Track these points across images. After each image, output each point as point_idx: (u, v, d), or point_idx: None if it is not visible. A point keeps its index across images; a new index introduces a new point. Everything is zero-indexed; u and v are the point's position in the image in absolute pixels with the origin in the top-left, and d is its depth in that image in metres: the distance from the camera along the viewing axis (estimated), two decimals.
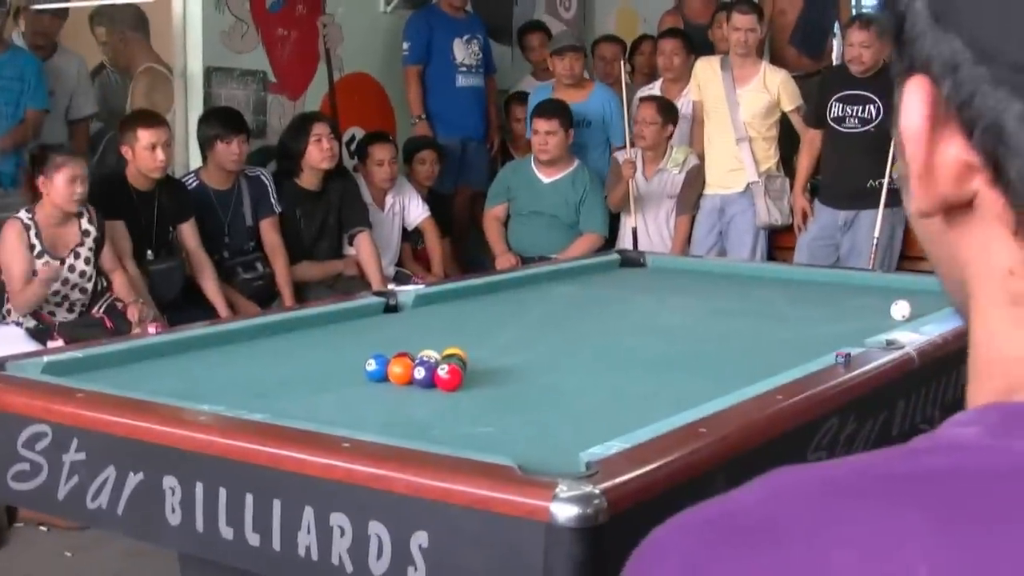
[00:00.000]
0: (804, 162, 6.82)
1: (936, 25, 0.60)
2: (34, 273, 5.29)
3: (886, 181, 6.33)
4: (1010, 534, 0.55)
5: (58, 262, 5.32)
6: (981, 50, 0.58)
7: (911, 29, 0.62)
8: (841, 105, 6.55)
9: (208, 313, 5.69)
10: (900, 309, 3.80)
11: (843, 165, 6.58)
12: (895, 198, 6.27)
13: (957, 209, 0.63)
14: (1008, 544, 0.55)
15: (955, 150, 0.61)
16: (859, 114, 6.51)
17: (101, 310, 5.46)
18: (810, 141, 6.77)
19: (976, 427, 0.61)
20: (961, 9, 0.59)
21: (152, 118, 5.87)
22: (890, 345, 3.20)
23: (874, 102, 6.43)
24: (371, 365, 3.04)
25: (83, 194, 5.35)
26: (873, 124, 6.45)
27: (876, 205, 6.40)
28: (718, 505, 0.63)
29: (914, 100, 0.62)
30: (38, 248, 5.30)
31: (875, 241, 6.40)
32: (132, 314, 5.38)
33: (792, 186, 6.87)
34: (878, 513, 0.58)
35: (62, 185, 5.27)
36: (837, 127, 6.59)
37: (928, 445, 0.62)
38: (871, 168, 6.41)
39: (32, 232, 5.28)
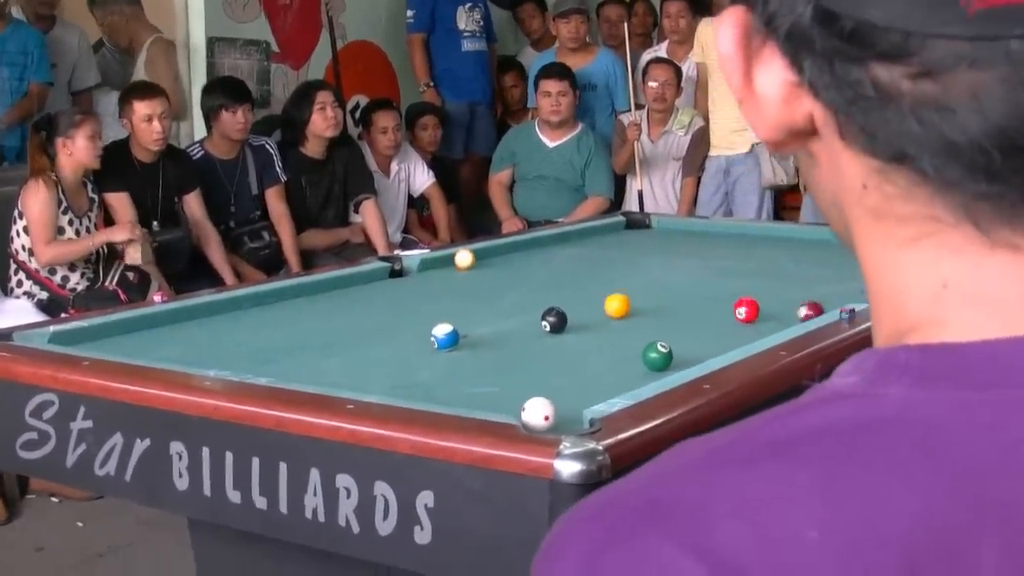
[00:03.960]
0: None
1: None
2: (60, 231, 5.34)
3: None
4: (891, 485, 0.56)
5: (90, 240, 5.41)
6: None
7: None
8: None
9: (215, 283, 5.69)
10: (536, 410, 2.21)
11: None
12: None
13: (807, 137, 0.63)
14: (890, 491, 0.55)
15: (776, 71, 0.61)
16: None
17: (114, 281, 5.48)
18: None
19: (855, 376, 0.61)
20: None
21: (148, 89, 5.87)
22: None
23: None
24: (443, 330, 2.98)
25: (101, 150, 5.41)
26: None
27: None
28: (606, 494, 0.62)
29: (726, 27, 0.63)
30: (64, 204, 5.34)
31: None
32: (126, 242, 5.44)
33: None
34: (762, 480, 0.57)
35: (84, 141, 5.33)
36: None
37: (810, 400, 0.62)
38: None
39: (59, 189, 5.32)
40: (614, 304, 3.34)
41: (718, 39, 0.63)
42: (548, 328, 3.14)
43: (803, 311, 3.25)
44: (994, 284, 0.59)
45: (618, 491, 0.62)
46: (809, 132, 0.63)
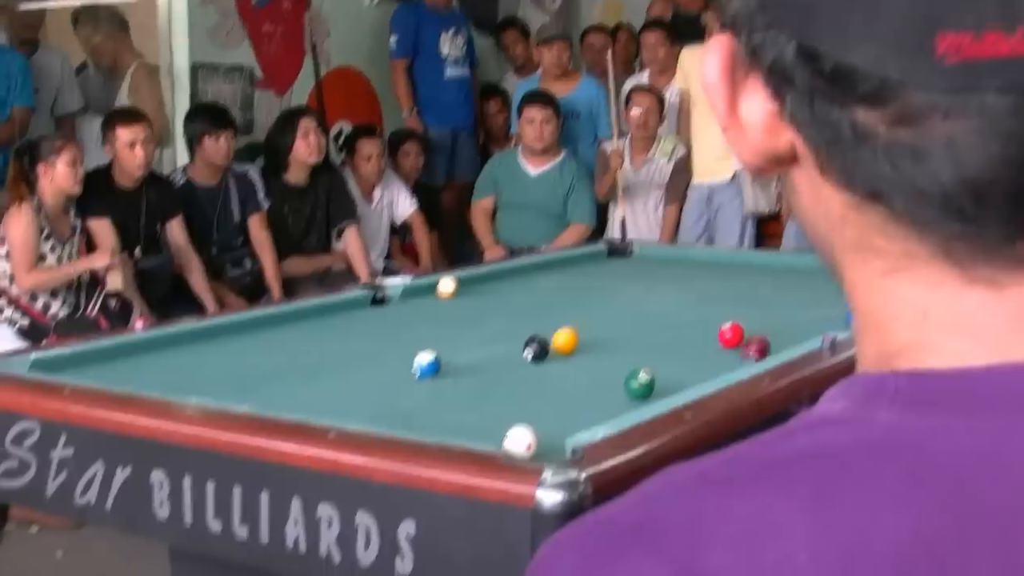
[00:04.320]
0: None
1: None
2: (42, 257, 5.32)
3: None
4: (881, 505, 0.56)
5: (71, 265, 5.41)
6: (763, 1, 0.61)
7: None
8: None
9: (196, 309, 5.69)
10: (518, 439, 2.20)
11: None
12: None
13: (789, 165, 0.64)
14: (881, 512, 0.56)
15: (759, 101, 0.62)
16: None
17: (95, 309, 5.47)
18: None
19: (842, 402, 0.62)
20: None
21: (130, 115, 5.87)
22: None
23: None
24: (425, 359, 2.97)
25: (82, 176, 5.40)
26: None
27: None
28: (596, 515, 0.62)
29: (712, 54, 0.64)
30: (46, 231, 5.33)
31: None
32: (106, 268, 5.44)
33: None
34: (753, 504, 0.58)
35: (65, 168, 5.33)
36: None
37: (799, 425, 0.62)
38: None
39: (41, 215, 5.31)
40: (562, 338, 3.25)
41: (704, 66, 0.64)
42: (530, 357, 3.14)
43: (749, 350, 3.12)
44: (975, 315, 0.59)
45: (607, 513, 0.62)
46: (791, 160, 0.63)
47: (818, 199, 0.63)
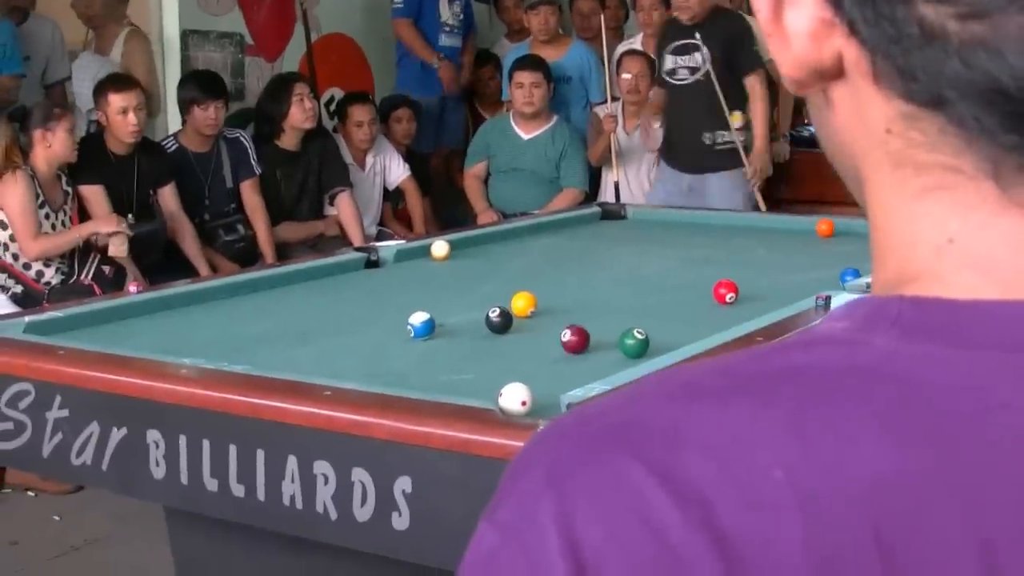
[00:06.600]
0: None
1: None
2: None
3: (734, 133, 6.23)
4: (864, 432, 0.55)
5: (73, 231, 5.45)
6: None
7: None
8: (673, 57, 6.44)
9: (189, 275, 5.67)
10: (513, 395, 2.23)
11: (678, 121, 6.49)
12: (737, 159, 6.26)
13: (830, 80, 0.62)
14: (861, 440, 0.55)
15: (808, 6, 0.60)
16: (687, 63, 6.37)
17: (89, 276, 5.46)
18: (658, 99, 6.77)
19: (844, 322, 0.61)
20: None
21: (123, 82, 5.85)
22: (871, 288, 3.20)
23: (700, 49, 6.25)
24: (419, 319, 2.98)
25: (76, 145, 5.42)
26: (700, 72, 6.30)
27: (721, 167, 6.33)
28: (582, 410, 0.62)
29: None
30: (40, 198, 5.33)
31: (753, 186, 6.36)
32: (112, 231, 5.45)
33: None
34: (737, 416, 0.57)
35: (65, 135, 5.34)
36: (670, 80, 6.50)
37: (797, 341, 0.61)
38: (703, 121, 6.30)
39: (36, 183, 5.31)
40: (520, 303, 3.22)
41: None
42: (495, 323, 3.09)
43: (567, 335, 2.86)
44: (997, 247, 0.58)
45: (590, 410, 0.62)
46: (834, 74, 0.61)
47: (860, 114, 0.61)
